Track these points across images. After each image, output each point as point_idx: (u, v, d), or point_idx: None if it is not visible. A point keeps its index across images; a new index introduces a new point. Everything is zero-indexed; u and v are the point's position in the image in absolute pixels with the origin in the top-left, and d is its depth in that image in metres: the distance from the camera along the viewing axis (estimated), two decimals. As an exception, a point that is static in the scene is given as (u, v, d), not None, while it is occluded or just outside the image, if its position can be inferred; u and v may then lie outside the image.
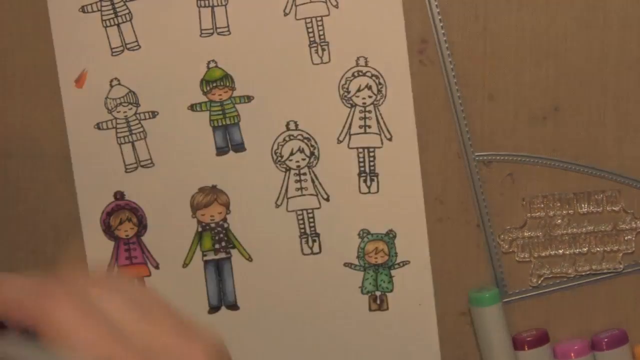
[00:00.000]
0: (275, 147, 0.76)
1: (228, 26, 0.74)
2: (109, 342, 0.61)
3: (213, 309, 0.77)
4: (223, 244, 0.77)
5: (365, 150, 0.76)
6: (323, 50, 0.75)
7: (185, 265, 0.77)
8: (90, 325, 0.61)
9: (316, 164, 0.76)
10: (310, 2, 0.75)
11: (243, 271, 0.77)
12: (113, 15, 0.74)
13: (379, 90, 0.75)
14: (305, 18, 0.75)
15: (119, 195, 0.76)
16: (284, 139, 0.76)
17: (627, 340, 0.76)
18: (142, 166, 0.76)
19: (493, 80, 0.75)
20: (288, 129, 0.76)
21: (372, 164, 0.76)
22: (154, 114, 0.75)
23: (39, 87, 0.75)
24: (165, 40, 0.74)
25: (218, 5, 0.74)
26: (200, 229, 0.76)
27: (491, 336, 0.75)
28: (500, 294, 0.76)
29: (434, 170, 0.76)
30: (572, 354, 0.75)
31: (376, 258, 0.77)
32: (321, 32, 0.75)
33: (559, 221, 0.76)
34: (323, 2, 0.75)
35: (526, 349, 0.75)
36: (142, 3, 0.74)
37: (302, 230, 0.77)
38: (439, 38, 0.74)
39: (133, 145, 0.75)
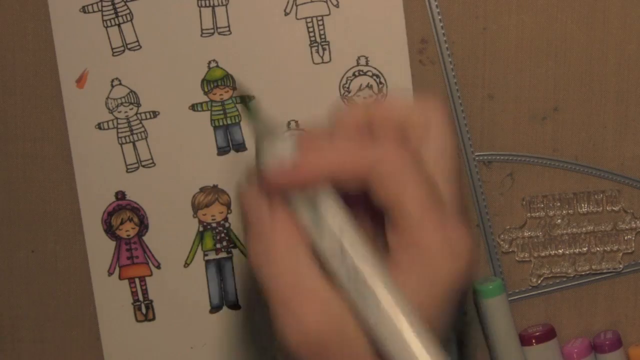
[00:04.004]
0: (276, 146, 0.76)
1: (229, 26, 0.74)
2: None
3: (215, 309, 0.77)
4: (224, 243, 0.77)
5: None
6: (324, 49, 0.75)
7: (186, 264, 0.77)
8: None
9: (317, 164, 0.76)
10: (311, 1, 0.75)
11: (244, 270, 0.77)
12: (114, 16, 0.74)
13: (380, 90, 0.75)
14: (306, 18, 0.75)
15: (120, 195, 0.76)
16: (285, 139, 0.76)
17: (622, 344, 0.77)
18: (144, 166, 0.76)
19: (493, 80, 0.75)
20: (289, 129, 0.76)
21: (372, 163, 0.76)
22: (155, 114, 0.75)
23: (39, 87, 0.75)
24: (166, 40, 0.74)
25: (219, 5, 0.74)
26: (201, 229, 0.76)
27: (499, 328, 0.75)
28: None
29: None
30: (575, 355, 0.75)
31: (377, 258, 0.77)
32: (322, 32, 0.75)
33: (559, 221, 0.76)
34: (324, 1, 0.75)
35: (534, 343, 0.75)
36: (143, 3, 0.74)
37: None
38: (439, 38, 0.74)
39: (134, 145, 0.75)
